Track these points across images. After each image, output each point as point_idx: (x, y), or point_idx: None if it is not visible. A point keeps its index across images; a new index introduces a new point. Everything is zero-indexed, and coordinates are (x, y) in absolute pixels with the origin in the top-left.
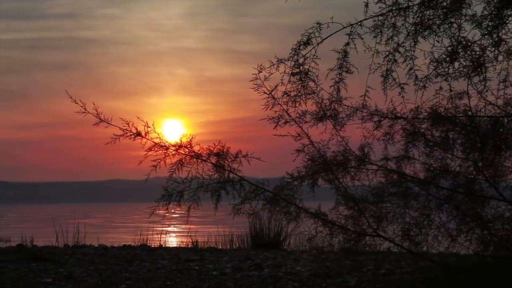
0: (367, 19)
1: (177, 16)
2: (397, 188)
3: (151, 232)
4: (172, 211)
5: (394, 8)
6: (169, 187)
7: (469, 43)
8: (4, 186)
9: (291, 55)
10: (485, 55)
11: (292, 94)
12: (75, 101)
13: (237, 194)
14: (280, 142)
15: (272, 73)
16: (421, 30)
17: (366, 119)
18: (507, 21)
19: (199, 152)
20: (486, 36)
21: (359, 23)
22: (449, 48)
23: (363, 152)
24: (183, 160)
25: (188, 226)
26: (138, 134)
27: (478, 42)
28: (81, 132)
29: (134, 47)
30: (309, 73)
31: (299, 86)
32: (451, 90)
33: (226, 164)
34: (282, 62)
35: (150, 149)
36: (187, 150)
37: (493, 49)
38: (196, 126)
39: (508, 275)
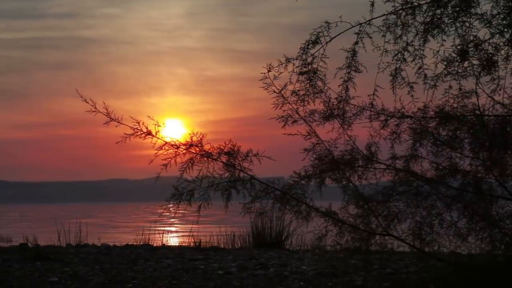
0: (376, 18)
1: (177, 15)
2: (407, 187)
3: (153, 232)
4: (172, 210)
5: (405, 7)
6: (179, 186)
7: (480, 42)
8: (4, 185)
9: (299, 54)
10: (498, 54)
11: (301, 93)
12: (85, 100)
13: (248, 193)
14: (280, 142)
15: (281, 72)
16: (430, 29)
17: (373, 118)
18: None
19: (209, 151)
20: (497, 35)
21: (367, 22)
22: (459, 47)
23: (370, 151)
24: (194, 159)
25: (188, 225)
26: (149, 133)
27: (489, 41)
28: (81, 132)
29: (134, 46)
30: (318, 72)
31: (308, 85)
32: (460, 89)
33: (236, 163)
34: (290, 62)
35: (160, 148)
36: (197, 149)
37: (505, 47)
38: (196, 126)
39: None
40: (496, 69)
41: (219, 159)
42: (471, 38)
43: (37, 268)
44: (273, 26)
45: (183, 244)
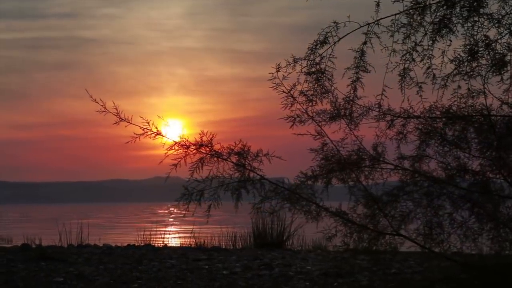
0: (384, 18)
1: (177, 15)
2: (416, 187)
3: (154, 232)
4: (173, 210)
5: (416, 6)
6: (189, 186)
7: (490, 42)
8: (3, 186)
9: (307, 54)
10: (510, 53)
11: (309, 93)
12: (95, 100)
13: (258, 193)
14: (281, 142)
15: (289, 73)
16: (440, 28)
17: (379, 119)
18: None
19: (219, 151)
20: (507, 35)
21: (376, 22)
22: (469, 47)
23: (377, 151)
24: (204, 159)
25: (188, 226)
26: (159, 133)
27: (499, 41)
28: (81, 132)
29: (134, 46)
30: (326, 72)
31: (316, 86)
32: (469, 89)
33: (246, 163)
34: (297, 62)
35: (170, 148)
36: (207, 149)
37: None
38: (196, 126)
39: None
40: (508, 69)
41: (229, 159)
42: (482, 37)
43: (41, 268)
44: (273, 26)
45: (184, 244)
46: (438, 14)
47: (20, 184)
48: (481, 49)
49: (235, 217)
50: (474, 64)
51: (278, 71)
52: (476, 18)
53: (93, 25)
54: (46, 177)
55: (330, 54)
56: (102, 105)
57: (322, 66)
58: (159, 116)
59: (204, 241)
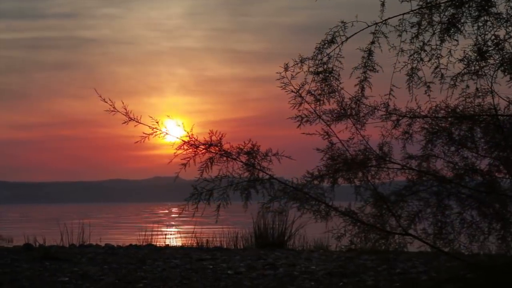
0: (392, 17)
1: (177, 15)
2: (426, 186)
3: (155, 232)
4: (174, 210)
5: (427, 5)
6: (198, 185)
7: (500, 41)
8: (3, 186)
9: (315, 54)
10: None
11: (317, 93)
12: (104, 99)
13: (267, 193)
14: (281, 142)
15: (297, 72)
16: (449, 28)
17: (384, 119)
18: None
19: (228, 151)
20: None
21: (383, 22)
22: (477, 46)
23: (383, 151)
24: (214, 159)
25: (187, 226)
26: (168, 133)
27: (509, 41)
28: (81, 132)
29: (134, 46)
30: (333, 71)
31: (323, 85)
32: (477, 89)
33: (256, 163)
34: (304, 62)
35: (179, 147)
36: (217, 148)
37: None
38: (196, 126)
39: None
40: None
41: (238, 159)
42: (492, 37)
43: (46, 268)
44: (273, 26)
45: (185, 244)
46: (446, 13)
47: (20, 184)
48: (490, 48)
49: (235, 217)
50: (482, 64)
51: (286, 70)
52: (486, 18)
53: (93, 25)
54: (46, 177)
55: (338, 54)
56: (111, 105)
57: (330, 65)
58: (168, 116)
59: (207, 241)
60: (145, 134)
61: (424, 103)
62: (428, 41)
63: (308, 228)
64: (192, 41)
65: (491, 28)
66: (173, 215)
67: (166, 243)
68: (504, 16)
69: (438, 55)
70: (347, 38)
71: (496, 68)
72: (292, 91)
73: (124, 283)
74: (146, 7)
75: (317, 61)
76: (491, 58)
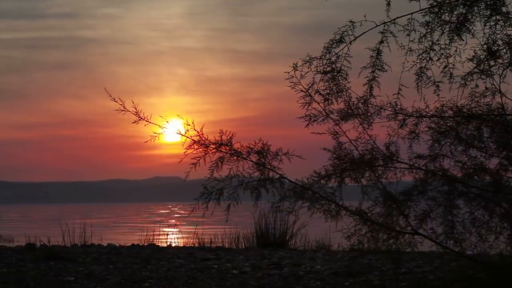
0: (401, 17)
1: (177, 15)
2: (434, 186)
3: (158, 232)
4: (175, 209)
5: (434, 4)
6: (208, 185)
7: (511, 40)
8: (3, 186)
9: (323, 53)
10: None
11: (325, 92)
12: (114, 99)
13: (277, 192)
14: (281, 143)
15: (306, 72)
16: (458, 27)
17: (390, 118)
18: None
19: (239, 150)
20: None
21: (392, 21)
22: (486, 46)
23: (390, 151)
24: (224, 158)
25: (187, 226)
26: (178, 132)
27: None
28: (81, 132)
29: (134, 46)
30: (341, 71)
31: (332, 85)
32: (486, 88)
33: (266, 162)
34: (312, 62)
35: (189, 147)
36: (227, 147)
37: None
38: (197, 126)
39: None
40: None
41: (248, 158)
42: (503, 36)
43: (51, 268)
44: (273, 26)
45: (187, 244)
46: (455, 13)
47: (20, 184)
48: (501, 48)
49: (235, 217)
50: (492, 63)
51: (295, 70)
52: (498, 17)
53: (93, 25)
54: (46, 177)
55: (346, 53)
56: (121, 104)
57: (338, 65)
58: (178, 115)
59: (210, 240)
60: (156, 133)
61: (433, 102)
62: (437, 40)
63: (310, 228)
64: (192, 41)
65: (502, 28)
66: (174, 215)
67: (168, 243)
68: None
69: (447, 55)
70: (355, 38)
71: (505, 67)
72: (302, 91)
73: (130, 283)
74: (146, 7)
75: (325, 61)
76: (501, 58)
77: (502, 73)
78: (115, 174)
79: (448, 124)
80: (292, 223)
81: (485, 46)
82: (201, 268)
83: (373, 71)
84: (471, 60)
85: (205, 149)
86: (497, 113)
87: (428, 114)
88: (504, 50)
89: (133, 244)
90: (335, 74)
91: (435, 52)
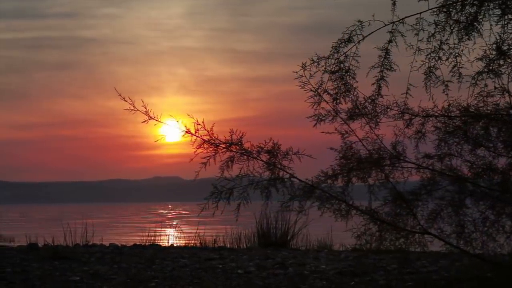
0: (410, 16)
1: (177, 15)
2: (441, 186)
3: (159, 232)
4: (175, 209)
5: (444, 4)
6: (218, 184)
7: None
8: (3, 186)
9: (331, 53)
10: None
11: (333, 92)
12: (123, 98)
13: (287, 192)
14: (281, 142)
15: (316, 71)
16: (468, 27)
17: (398, 117)
18: None
19: (249, 149)
20: None
21: (400, 21)
22: (495, 45)
23: (396, 150)
24: (234, 157)
25: (188, 226)
26: (188, 131)
27: None
28: (81, 132)
29: (134, 46)
30: (350, 70)
31: (340, 84)
32: (495, 88)
33: (277, 161)
34: (320, 61)
35: (199, 146)
36: (237, 147)
37: None
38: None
39: None
40: None
41: (258, 158)
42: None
43: (55, 267)
44: (273, 26)
45: (188, 244)
46: (464, 12)
47: (20, 184)
48: (511, 47)
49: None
50: (501, 62)
51: (304, 69)
52: (510, 16)
53: (93, 25)
54: (46, 177)
55: (354, 53)
56: (131, 103)
57: (346, 64)
58: (189, 115)
59: (214, 240)
60: (166, 132)
61: (442, 102)
62: (446, 40)
63: (311, 227)
64: (192, 41)
65: None
66: (174, 215)
67: (171, 243)
68: None
69: (456, 54)
70: (364, 37)
71: None
72: (311, 90)
73: (136, 282)
74: (146, 7)
75: (333, 60)
76: (510, 57)
77: (510, 72)
78: (115, 174)
79: (455, 123)
80: (293, 223)
81: (494, 45)
82: (205, 267)
83: (381, 71)
84: (480, 59)
85: (215, 148)
86: (505, 113)
87: (435, 114)
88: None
89: (135, 244)
90: (343, 73)
91: (444, 51)
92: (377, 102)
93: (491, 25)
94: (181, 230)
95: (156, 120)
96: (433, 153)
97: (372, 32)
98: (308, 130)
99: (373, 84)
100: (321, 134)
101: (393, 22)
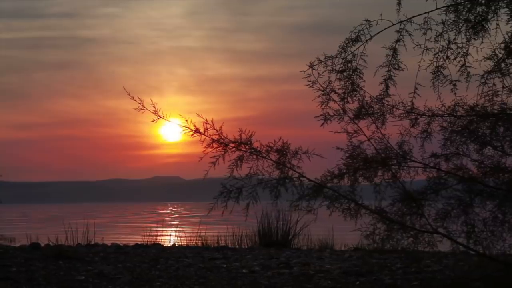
0: (418, 15)
1: (177, 15)
2: (448, 186)
3: (160, 232)
4: (176, 209)
5: (453, 3)
6: (227, 184)
7: None
8: (3, 186)
9: (339, 52)
10: None
11: (340, 91)
12: (133, 98)
13: (297, 191)
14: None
15: (324, 71)
16: (476, 26)
17: (403, 117)
18: None
19: (258, 149)
20: None
21: (408, 20)
22: (504, 45)
23: (402, 149)
24: (243, 157)
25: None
26: (197, 131)
27: None
28: (81, 132)
29: (134, 46)
30: (357, 70)
31: (348, 84)
32: (503, 87)
33: (286, 161)
34: (324, 62)
35: (208, 145)
36: (247, 146)
37: None
38: (197, 125)
39: None
40: None
41: (267, 157)
42: None
43: (60, 267)
44: (273, 26)
45: (190, 244)
46: (472, 11)
47: (20, 184)
48: None
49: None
50: (510, 61)
51: (313, 69)
52: None
53: (93, 25)
54: (46, 177)
55: (362, 52)
56: (140, 103)
57: (354, 64)
58: (198, 114)
59: (218, 239)
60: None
61: (450, 101)
62: (454, 39)
63: (311, 227)
64: (192, 41)
65: None
66: (174, 215)
67: (172, 243)
68: None
69: (464, 53)
70: (371, 37)
71: None
72: (320, 89)
73: (141, 282)
74: (146, 7)
75: (341, 60)
76: None
77: None
78: (115, 174)
79: (463, 123)
80: (294, 223)
81: (502, 44)
82: (210, 267)
83: (389, 70)
84: (489, 58)
85: (225, 147)
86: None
87: (442, 113)
88: None
89: (137, 244)
90: (351, 73)
91: (452, 50)
92: (387, 101)
93: (497, 25)
94: (183, 230)
95: (165, 120)
96: (440, 153)
97: (380, 32)
98: (308, 129)
99: (381, 83)
100: (322, 134)
101: (401, 22)
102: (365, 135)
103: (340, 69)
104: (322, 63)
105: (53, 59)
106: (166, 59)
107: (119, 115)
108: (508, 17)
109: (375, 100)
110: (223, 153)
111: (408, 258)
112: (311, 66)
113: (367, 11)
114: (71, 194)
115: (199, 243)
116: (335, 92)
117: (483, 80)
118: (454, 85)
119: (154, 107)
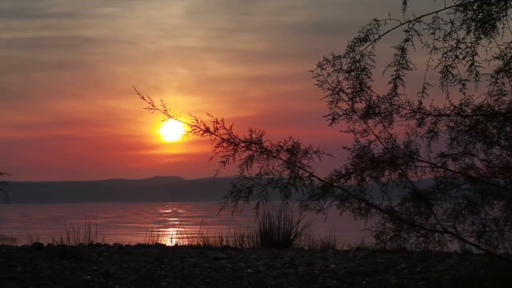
0: (426, 15)
1: (177, 15)
2: (457, 186)
3: (162, 232)
4: (174, 209)
5: (461, 3)
6: (237, 183)
7: None
8: (3, 186)
9: (347, 51)
10: None
11: (348, 91)
12: (142, 97)
13: (307, 191)
14: (281, 142)
15: (333, 70)
16: (484, 25)
17: (410, 117)
18: None
19: (268, 148)
20: None
21: (417, 20)
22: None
23: (410, 149)
24: (253, 156)
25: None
26: (207, 130)
27: None
28: (81, 132)
29: (134, 46)
30: (365, 69)
31: (356, 83)
32: None
33: (296, 160)
34: (333, 62)
35: (218, 145)
36: (257, 146)
37: None
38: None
39: None
40: None
41: (278, 156)
42: None
43: (65, 267)
44: (274, 26)
45: (192, 243)
46: (481, 11)
47: (20, 184)
48: None
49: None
50: None
51: (322, 68)
52: None
53: (93, 25)
54: (46, 177)
55: (370, 52)
56: (150, 103)
57: (362, 63)
58: (208, 114)
59: (221, 239)
60: (185, 131)
61: (459, 101)
62: (463, 38)
63: (312, 227)
64: (192, 41)
65: None
66: (174, 215)
67: (174, 243)
68: None
69: (473, 53)
70: (380, 36)
71: None
72: (329, 89)
73: (147, 282)
74: (146, 6)
75: (349, 59)
76: None
77: None
78: (115, 174)
79: (470, 122)
80: (296, 223)
81: (511, 44)
82: (215, 267)
83: (397, 70)
84: (498, 58)
85: (235, 147)
86: None
87: (448, 113)
88: None
89: (139, 244)
90: (359, 72)
91: (460, 50)
92: (395, 101)
93: (503, 24)
94: (184, 230)
95: (175, 119)
96: (447, 152)
97: (388, 31)
98: (308, 129)
99: (389, 83)
100: (322, 134)
101: (410, 21)
102: (374, 134)
103: (348, 68)
104: (330, 62)
105: (53, 59)
106: (166, 59)
107: (119, 115)
108: None
109: (383, 99)
110: (233, 152)
111: (412, 257)
112: (320, 65)
113: (368, 11)
114: (71, 194)
115: (201, 243)
116: (344, 92)
117: (493, 80)
118: (463, 84)
119: (164, 107)
